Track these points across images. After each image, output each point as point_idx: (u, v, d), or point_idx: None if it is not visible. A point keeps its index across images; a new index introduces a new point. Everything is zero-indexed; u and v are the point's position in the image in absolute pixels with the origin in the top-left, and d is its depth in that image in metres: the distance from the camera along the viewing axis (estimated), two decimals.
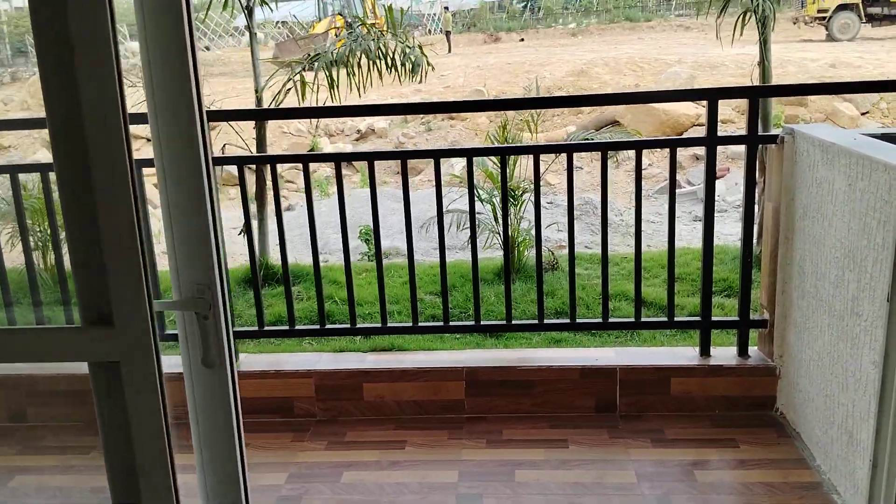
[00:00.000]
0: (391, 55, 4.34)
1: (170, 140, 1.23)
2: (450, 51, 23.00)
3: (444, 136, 10.07)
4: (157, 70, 1.20)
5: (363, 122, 10.37)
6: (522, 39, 29.75)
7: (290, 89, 4.51)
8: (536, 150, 3.28)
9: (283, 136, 10.34)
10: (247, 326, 3.80)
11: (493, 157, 4.55)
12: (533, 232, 5.54)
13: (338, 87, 4.34)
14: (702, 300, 3.31)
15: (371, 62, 4.38)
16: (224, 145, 4.88)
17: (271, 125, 10.58)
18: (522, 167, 4.94)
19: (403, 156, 3.25)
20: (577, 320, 3.46)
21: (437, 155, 3.26)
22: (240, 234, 5.14)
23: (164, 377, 1.28)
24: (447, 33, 26.25)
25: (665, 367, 3.29)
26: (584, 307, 4.14)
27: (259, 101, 4.61)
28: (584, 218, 6.86)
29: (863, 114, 10.83)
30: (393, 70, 4.44)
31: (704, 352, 3.35)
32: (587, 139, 5.41)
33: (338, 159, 3.33)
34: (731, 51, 12.89)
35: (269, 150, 10.37)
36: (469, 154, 3.27)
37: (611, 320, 3.42)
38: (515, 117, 5.42)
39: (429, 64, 4.47)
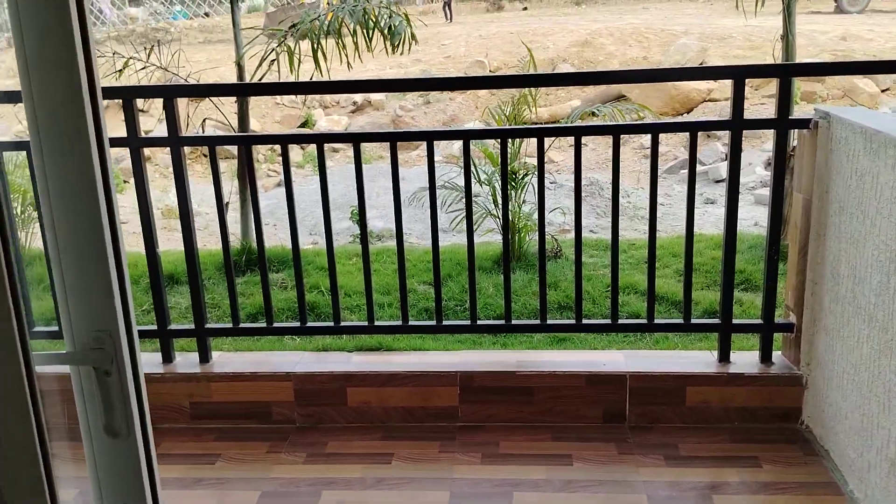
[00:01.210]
0: (374, 24, 3.96)
1: (49, 126, 0.90)
2: (449, 20, 22.44)
3: (443, 108, 9.67)
4: (30, 36, 0.86)
5: (360, 94, 9.96)
6: (525, 8, 29.12)
7: (273, 61, 4.14)
8: (541, 133, 2.95)
9: (276, 108, 9.95)
10: (221, 323, 3.48)
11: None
12: (535, 217, 5.22)
13: (324, 58, 3.97)
14: (721, 301, 2.99)
15: (353, 32, 3.99)
16: (204, 120, 4.53)
17: (264, 96, 10.18)
18: (525, 144, 4.60)
19: (392, 137, 2.92)
20: (584, 321, 3.15)
21: (429, 137, 2.93)
22: None
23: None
24: (447, 3, 25.64)
25: (680, 374, 2.99)
26: (591, 302, 3.82)
27: (240, 72, 4.25)
28: (590, 200, 6.51)
29: (883, 90, 10.41)
30: (377, 40, 4.06)
31: (723, 357, 3.04)
32: (594, 114, 5.05)
33: (320, 140, 2.99)
34: (737, 22, 12.44)
35: (261, 123, 10.00)
36: (465, 136, 2.93)
37: (620, 322, 3.10)
38: (518, 93, 5.04)
39: (413, 36, 4.08)
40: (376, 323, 3.14)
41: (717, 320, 3.03)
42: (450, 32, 17.59)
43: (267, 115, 9.95)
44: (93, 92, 0.87)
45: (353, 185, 6.56)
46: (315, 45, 3.90)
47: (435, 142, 2.97)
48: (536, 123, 9.00)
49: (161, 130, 7.23)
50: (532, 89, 4.41)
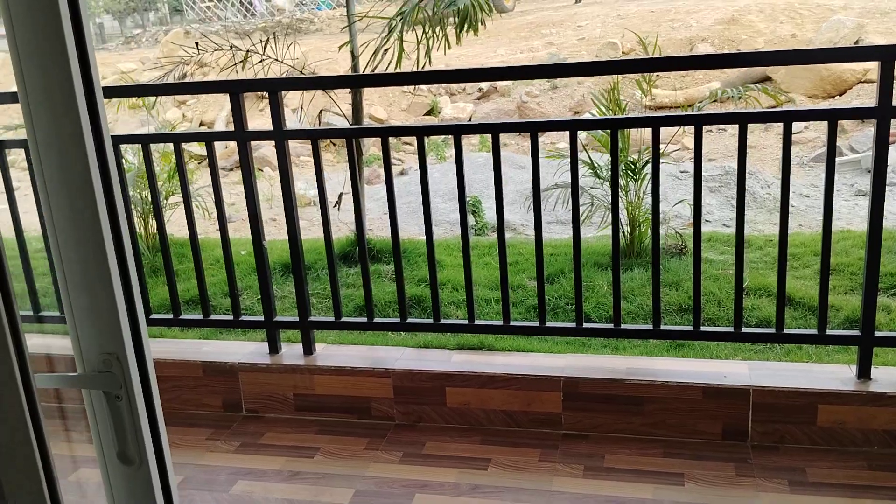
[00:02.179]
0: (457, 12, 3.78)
1: (48, 140, 0.83)
2: (578, 0, 21.76)
3: (570, 94, 9.36)
4: (22, 31, 0.79)
5: (494, 82, 9.81)
6: None
7: (387, 49, 4.08)
8: (655, 123, 2.71)
9: (403, 96, 9.99)
10: (323, 316, 3.47)
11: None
12: (663, 208, 4.92)
13: (434, 46, 3.85)
14: (863, 309, 2.66)
15: (431, 18, 3.82)
16: (321, 111, 4.55)
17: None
18: (646, 132, 4.30)
19: (494, 129, 2.78)
20: (702, 327, 2.89)
21: (533, 128, 2.76)
22: (334, 206, 4.83)
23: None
24: None
25: (811, 390, 2.68)
26: (716, 304, 3.52)
27: (354, 62, 4.22)
28: (724, 191, 6.08)
29: None
30: (456, 27, 3.87)
31: (863, 373, 2.71)
32: (730, 97, 4.66)
33: (420, 133, 2.89)
34: None
35: (388, 111, 10.07)
36: (572, 127, 2.74)
37: (744, 330, 2.82)
38: (633, 77, 4.72)
39: (481, 22, 3.85)
40: (476, 322, 3.02)
41: (856, 332, 2.70)
42: (587, 13, 17.08)
43: (394, 104, 10.02)
44: (90, 89, 0.80)
45: (473, 174, 6.47)
46: (428, 33, 3.80)
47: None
48: (658, 109, 8.55)
49: (295, 122, 7.42)
50: (644, 75, 4.11)
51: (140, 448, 0.92)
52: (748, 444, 2.74)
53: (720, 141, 8.06)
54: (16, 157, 4.24)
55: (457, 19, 3.74)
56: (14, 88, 0.83)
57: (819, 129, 7.82)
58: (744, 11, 13.30)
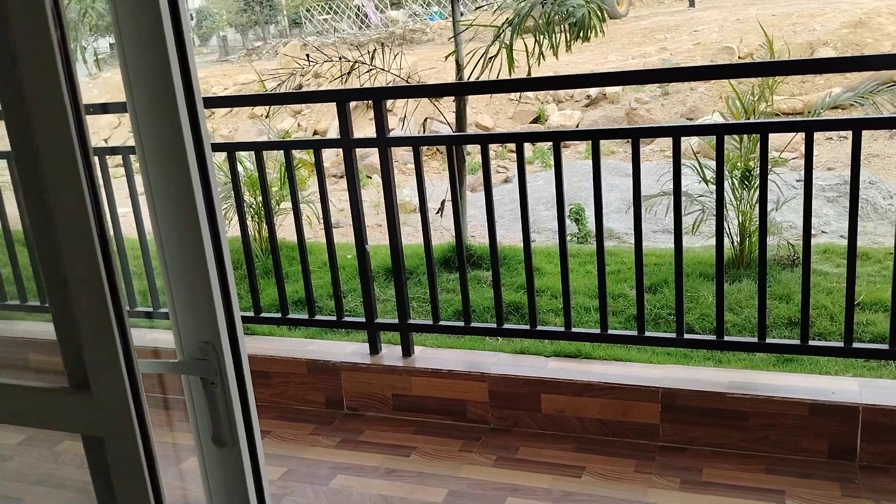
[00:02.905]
0: (564, 18, 3.77)
1: (153, 147, 0.92)
2: (692, 5, 21.14)
3: (682, 100, 9.12)
4: (131, 48, 0.88)
5: (595, 87, 9.71)
6: None
7: (493, 57, 4.14)
8: (764, 129, 2.63)
9: (510, 104, 10.02)
10: (421, 319, 3.55)
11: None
12: (777, 218, 4.74)
13: (540, 53, 3.88)
14: None
15: (546, 25, 3.82)
16: (425, 119, 4.66)
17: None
18: (771, 137, 4.15)
19: (593, 135, 2.77)
20: (811, 341, 2.78)
21: (634, 134, 2.74)
22: (437, 213, 4.92)
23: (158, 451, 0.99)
24: None
25: None
26: (828, 319, 3.36)
27: (459, 70, 4.30)
28: (842, 201, 5.78)
29: None
30: (564, 35, 3.86)
31: None
32: (852, 104, 4.45)
33: (519, 139, 2.92)
34: None
35: (494, 119, 10.14)
36: (674, 133, 2.69)
37: (854, 346, 2.69)
38: (761, 81, 4.57)
39: (600, 28, 3.82)
40: (573, 329, 3.01)
41: None
42: (704, 18, 16.61)
43: (500, 112, 10.07)
44: (190, 99, 0.88)
45: (577, 182, 6.42)
46: (540, 41, 3.82)
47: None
48: (785, 113, 8.20)
49: (402, 130, 7.60)
50: (768, 80, 3.98)
51: (233, 431, 0.99)
52: (856, 464, 2.61)
53: (841, 149, 7.66)
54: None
55: (568, 26, 3.75)
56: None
57: None
58: (873, 14, 12.61)
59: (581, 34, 3.67)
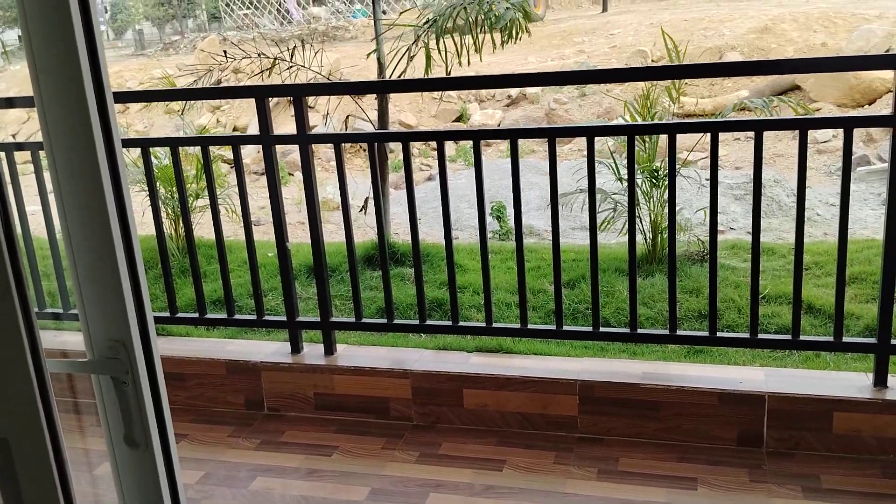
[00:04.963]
0: (488, 19, 3.84)
1: (61, 142, 0.89)
2: (605, 9, 21.66)
3: (598, 101, 9.36)
4: (37, 39, 0.86)
5: (515, 88, 9.86)
6: None
7: (413, 56, 4.15)
8: (671, 130, 2.73)
9: (433, 103, 10.07)
10: (344, 317, 3.54)
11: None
12: (687, 215, 4.91)
13: (459, 52, 3.91)
14: (879, 316, 2.66)
15: (474, 25, 3.88)
16: (347, 117, 4.64)
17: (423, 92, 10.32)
18: (683, 138, 4.30)
19: (512, 135, 2.82)
20: (718, 333, 2.90)
21: (551, 134, 2.80)
22: (360, 210, 4.91)
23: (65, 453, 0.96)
24: None
25: (827, 397, 2.68)
26: (736, 311, 3.51)
27: (380, 69, 4.29)
28: (749, 198, 6.05)
29: None
30: (489, 33, 3.93)
31: (880, 381, 2.70)
32: (756, 107, 4.65)
33: (439, 138, 2.94)
34: None
35: (417, 117, 10.17)
36: (588, 133, 2.77)
37: (760, 336, 2.83)
38: (668, 83, 4.73)
39: (524, 28, 3.91)
40: (494, 324, 3.06)
41: (872, 339, 2.69)
42: (619, 21, 17.04)
43: (423, 111, 10.11)
44: (100, 93, 0.86)
45: (499, 180, 6.51)
46: (462, 41, 3.86)
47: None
48: (687, 115, 8.51)
49: (324, 127, 7.53)
50: (675, 82, 4.13)
51: (145, 431, 0.98)
52: (763, 450, 2.74)
53: (748, 149, 8.01)
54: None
55: (492, 27, 3.80)
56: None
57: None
58: (777, 20, 13.20)
59: (509, 35, 3.73)
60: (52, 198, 3.20)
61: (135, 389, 0.95)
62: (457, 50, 3.84)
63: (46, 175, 3.21)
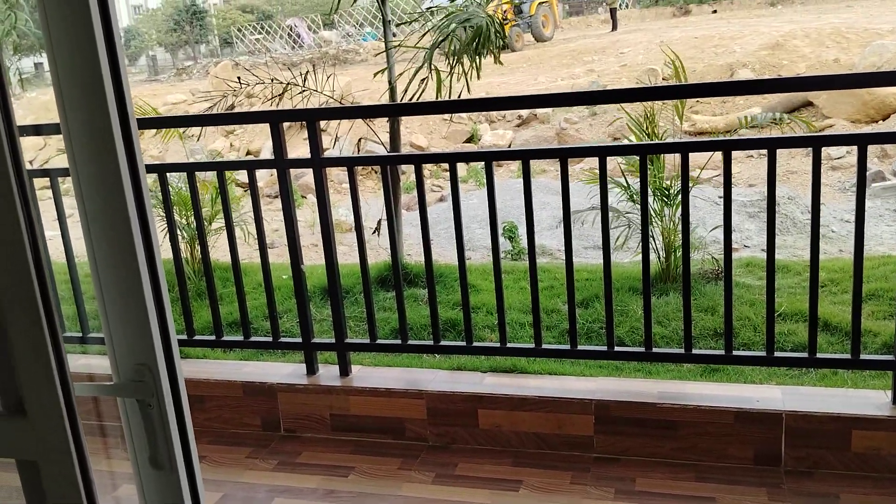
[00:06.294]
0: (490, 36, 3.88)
1: (87, 169, 0.92)
2: (615, 28, 21.78)
3: (608, 120, 9.40)
4: (65, 71, 0.89)
5: (526, 109, 9.92)
6: (715, 11, 27.92)
7: (424, 79, 4.20)
8: (684, 149, 2.74)
9: (444, 124, 10.14)
10: (358, 339, 3.55)
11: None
12: (700, 233, 4.91)
13: (467, 74, 3.95)
14: None
15: (479, 46, 3.92)
16: (360, 140, 4.68)
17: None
18: (691, 156, 4.31)
19: (524, 155, 2.84)
20: (734, 352, 2.90)
21: (562, 154, 2.82)
22: (373, 232, 4.94)
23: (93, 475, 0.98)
24: (612, 10, 25.07)
25: (845, 415, 2.66)
26: (751, 329, 3.50)
27: (392, 92, 4.34)
28: (763, 216, 6.05)
29: None
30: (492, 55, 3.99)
31: None
32: (768, 125, 4.67)
33: (452, 159, 2.97)
34: None
35: (428, 139, 10.22)
36: (600, 153, 2.79)
37: (776, 354, 2.82)
38: (679, 103, 4.75)
39: (503, 35, 3.95)
40: (508, 344, 3.07)
41: (890, 356, 2.68)
42: (629, 40, 17.13)
43: (434, 132, 10.17)
44: (125, 122, 0.88)
45: (510, 200, 6.53)
46: (463, 62, 3.90)
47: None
48: (699, 135, 8.51)
49: (337, 150, 7.59)
50: (680, 101, 4.15)
51: (170, 453, 0.99)
52: (781, 469, 2.72)
53: (761, 167, 8.00)
54: (69, 185, 4.43)
55: (471, 38, 3.85)
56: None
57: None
58: (789, 37, 13.23)
59: (484, 48, 3.78)
60: (70, 222, 3.24)
61: (160, 412, 0.97)
62: (464, 70, 3.89)
63: (65, 200, 3.26)
